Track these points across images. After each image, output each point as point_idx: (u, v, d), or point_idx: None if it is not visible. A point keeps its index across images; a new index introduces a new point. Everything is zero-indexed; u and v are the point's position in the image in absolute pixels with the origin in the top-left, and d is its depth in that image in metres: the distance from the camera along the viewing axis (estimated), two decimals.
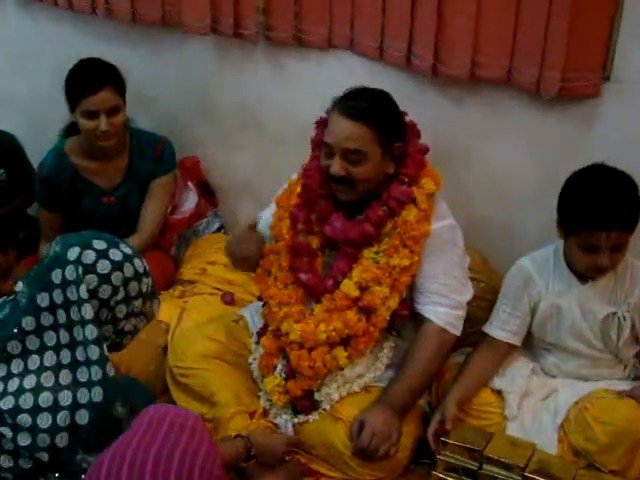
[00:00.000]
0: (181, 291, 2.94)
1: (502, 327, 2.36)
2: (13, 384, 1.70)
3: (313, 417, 2.32)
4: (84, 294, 1.69)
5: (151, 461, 1.33)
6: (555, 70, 2.39)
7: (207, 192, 3.34)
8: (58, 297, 1.70)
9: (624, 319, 2.26)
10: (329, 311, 2.29)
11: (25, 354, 1.72)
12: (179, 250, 3.20)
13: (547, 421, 2.26)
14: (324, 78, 2.88)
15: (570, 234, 2.20)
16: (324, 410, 2.32)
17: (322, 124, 2.38)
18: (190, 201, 3.22)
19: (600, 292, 2.26)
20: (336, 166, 2.25)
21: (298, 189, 2.42)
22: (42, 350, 1.72)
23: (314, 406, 2.32)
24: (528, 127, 2.59)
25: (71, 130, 3.00)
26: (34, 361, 1.71)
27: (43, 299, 1.71)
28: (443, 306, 2.32)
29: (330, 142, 2.26)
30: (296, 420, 2.33)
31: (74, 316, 1.70)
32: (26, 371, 1.71)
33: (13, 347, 1.71)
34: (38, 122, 3.48)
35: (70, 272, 1.70)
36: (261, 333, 2.46)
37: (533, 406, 2.30)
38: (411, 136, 2.36)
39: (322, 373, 2.29)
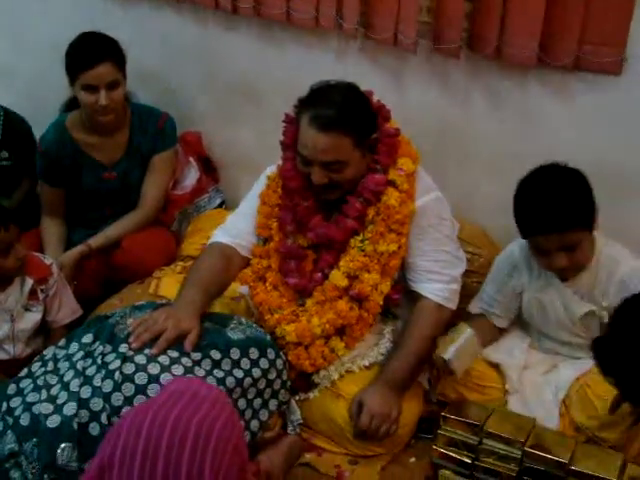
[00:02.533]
0: (182, 267, 2.94)
1: (483, 308, 2.37)
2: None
3: (313, 394, 2.32)
4: None
5: (170, 423, 1.37)
6: (574, 42, 2.35)
7: (208, 167, 3.34)
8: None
9: (602, 317, 2.23)
10: (320, 303, 2.27)
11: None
12: (180, 226, 3.20)
13: (548, 396, 2.26)
14: (325, 53, 2.87)
15: (524, 237, 2.19)
16: (325, 387, 2.31)
17: (291, 123, 2.31)
18: (191, 176, 3.21)
19: (579, 290, 2.23)
20: (317, 176, 2.19)
21: (280, 188, 2.37)
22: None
23: (310, 386, 2.32)
24: (536, 101, 2.56)
25: (72, 104, 2.99)
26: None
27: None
28: (438, 282, 2.30)
29: (306, 155, 2.19)
30: (296, 397, 2.33)
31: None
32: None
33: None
34: (38, 97, 3.47)
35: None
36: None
37: (534, 380, 2.30)
38: (381, 121, 2.28)
39: (323, 367, 2.28)
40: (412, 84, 2.72)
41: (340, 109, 2.15)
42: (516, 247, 2.33)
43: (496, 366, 2.33)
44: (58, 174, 3.00)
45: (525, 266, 2.30)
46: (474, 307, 2.39)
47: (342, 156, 2.17)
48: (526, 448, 2.06)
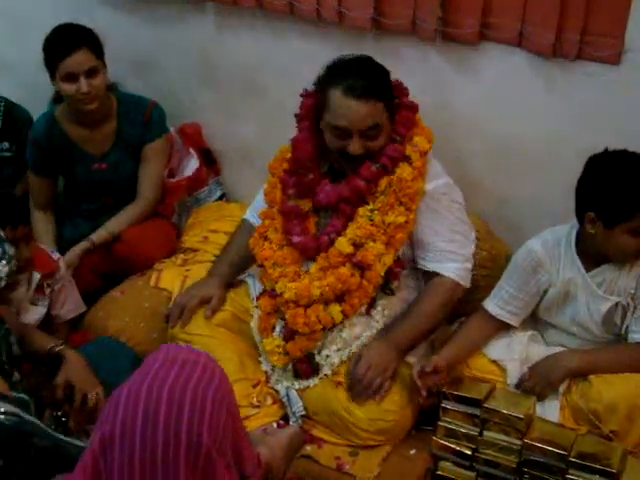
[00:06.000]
0: (183, 259, 2.94)
1: (502, 306, 2.33)
2: None
3: (313, 382, 2.34)
4: None
5: (166, 392, 1.40)
6: (573, 32, 2.36)
7: (209, 160, 3.33)
8: None
9: (627, 307, 2.22)
10: (323, 269, 2.32)
11: None
12: (181, 218, 3.20)
13: None
14: (325, 44, 2.86)
15: (617, 224, 2.12)
16: (325, 376, 2.34)
17: (309, 97, 2.39)
18: (191, 167, 3.20)
19: (605, 281, 2.23)
20: (356, 146, 2.27)
21: (288, 154, 2.44)
22: None
23: (314, 370, 2.35)
24: (536, 93, 2.57)
25: (60, 97, 2.97)
26: None
27: None
28: (454, 262, 2.37)
29: (345, 125, 2.25)
30: (297, 386, 2.35)
31: None
32: None
33: None
34: (34, 89, 3.44)
35: None
36: (259, 297, 2.48)
37: None
38: (401, 95, 2.37)
39: (317, 329, 2.31)
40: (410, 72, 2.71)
41: (369, 77, 2.27)
42: (537, 245, 2.29)
43: (494, 361, 2.33)
44: (47, 164, 2.98)
45: (551, 261, 2.27)
46: (491, 305, 2.34)
47: (379, 119, 2.26)
48: (526, 440, 2.08)
